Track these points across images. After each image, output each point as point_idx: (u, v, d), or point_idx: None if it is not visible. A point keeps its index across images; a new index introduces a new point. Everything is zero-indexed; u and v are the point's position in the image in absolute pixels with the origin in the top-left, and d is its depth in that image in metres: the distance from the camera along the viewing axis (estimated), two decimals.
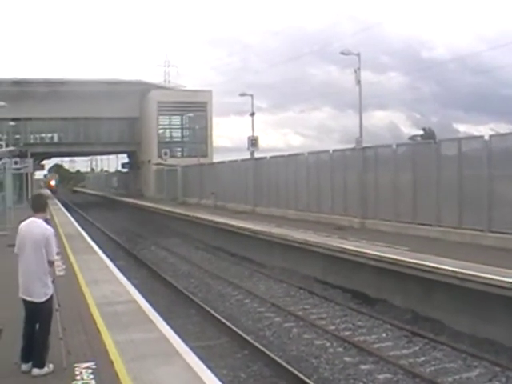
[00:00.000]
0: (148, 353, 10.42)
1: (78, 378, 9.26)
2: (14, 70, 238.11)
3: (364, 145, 33.55)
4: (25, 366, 9.65)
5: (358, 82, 35.00)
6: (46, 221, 10.18)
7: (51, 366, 9.62)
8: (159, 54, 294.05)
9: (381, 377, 14.60)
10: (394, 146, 31.40)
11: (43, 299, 9.62)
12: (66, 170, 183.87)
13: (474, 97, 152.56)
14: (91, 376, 9.32)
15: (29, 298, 9.62)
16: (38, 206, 10.22)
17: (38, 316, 9.67)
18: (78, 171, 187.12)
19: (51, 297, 9.78)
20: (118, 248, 39.35)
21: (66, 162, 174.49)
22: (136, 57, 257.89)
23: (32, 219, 9.93)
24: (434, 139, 30.76)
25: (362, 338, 17.98)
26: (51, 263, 9.85)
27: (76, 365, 9.79)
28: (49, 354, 9.67)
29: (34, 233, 9.72)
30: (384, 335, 18.39)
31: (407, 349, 16.99)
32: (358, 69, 34.87)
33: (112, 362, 9.93)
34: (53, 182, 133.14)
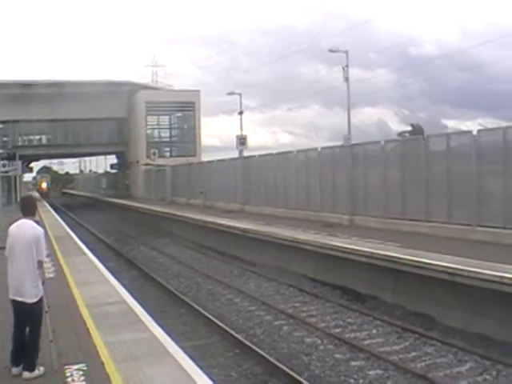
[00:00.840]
0: (139, 353, 10.40)
1: (69, 379, 9.22)
2: (1, 73, 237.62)
3: (353, 142, 33.63)
4: (15, 370, 9.59)
5: (346, 79, 35.08)
6: (36, 222, 10.16)
7: (42, 368, 9.57)
8: (147, 54, 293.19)
9: (372, 373, 14.62)
10: (383, 143, 31.45)
11: (34, 300, 9.56)
12: (55, 172, 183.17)
13: (462, 92, 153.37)
14: (82, 378, 9.28)
15: (20, 299, 9.55)
16: (28, 210, 10.19)
17: (28, 317, 9.60)
18: (67, 173, 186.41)
19: (41, 298, 9.73)
20: (108, 249, 39.30)
21: (54, 164, 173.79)
22: (124, 57, 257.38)
23: (22, 220, 9.90)
24: (422, 135, 30.74)
25: (352, 335, 18.00)
26: (40, 264, 9.79)
27: (67, 367, 9.74)
28: (39, 357, 9.62)
29: (25, 234, 9.68)
30: (375, 331, 18.42)
31: (398, 344, 17.02)
32: (346, 66, 34.96)
33: (103, 363, 9.91)
34: (44, 185, 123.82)
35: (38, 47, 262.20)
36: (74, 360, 10.08)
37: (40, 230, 9.93)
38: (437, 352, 16.17)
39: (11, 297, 9.67)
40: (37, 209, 10.75)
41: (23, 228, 9.78)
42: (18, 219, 10.01)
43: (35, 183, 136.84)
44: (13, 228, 9.89)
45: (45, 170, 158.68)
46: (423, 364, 15.31)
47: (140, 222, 55.78)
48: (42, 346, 9.72)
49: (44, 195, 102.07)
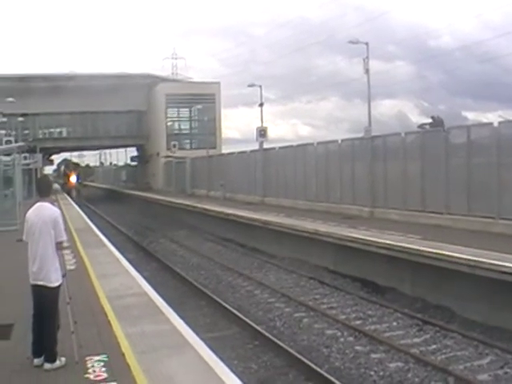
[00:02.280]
0: (160, 344, 10.43)
1: (90, 370, 9.26)
2: (21, 66, 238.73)
3: (373, 134, 33.50)
4: (37, 361, 9.63)
5: (367, 71, 34.94)
6: (52, 204, 10.17)
7: (63, 359, 9.61)
8: (166, 46, 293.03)
9: (392, 365, 14.59)
10: (403, 135, 31.31)
11: (55, 284, 9.60)
12: (75, 165, 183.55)
13: (482, 84, 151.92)
14: (103, 369, 9.31)
15: (40, 282, 9.56)
16: (43, 190, 10.28)
17: (45, 303, 9.60)
18: (87, 165, 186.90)
19: (60, 285, 9.76)
20: (128, 241, 39.42)
21: (74, 157, 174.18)
22: (143, 50, 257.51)
23: (38, 204, 9.92)
24: (442, 127, 30.60)
25: (372, 327, 17.98)
26: (61, 244, 9.82)
27: (88, 358, 9.79)
28: (60, 348, 9.64)
29: (42, 216, 9.69)
30: (395, 324, 18.39)
31: (418, 337, 16.97)
32: (367, 58, 34.82)
33: (123, 355, 9.94)
34: (74, 178, 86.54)
35: (58, 41, 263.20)
36: (95, 351, 10.12)
37: (56, 210, 9.95)
38: (457, 345, 16.11)
39: (31, 282, 9.71)
40: (52, 188, 10.73)
41: (39, 211, 9.79)
42: (35, 202, 10.07)
43: (59, 175, 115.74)
44: (30, 213, 9.90)
45: (66, 161, 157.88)
46: (443, 357, 15.25)
47: (160, 214, 55.87)
48: (63, 338, 9.75)
49: (72, 192, 79.43)
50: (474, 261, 18.19)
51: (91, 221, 36.56)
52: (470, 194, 25.32)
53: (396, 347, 15.83)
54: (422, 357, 15.11)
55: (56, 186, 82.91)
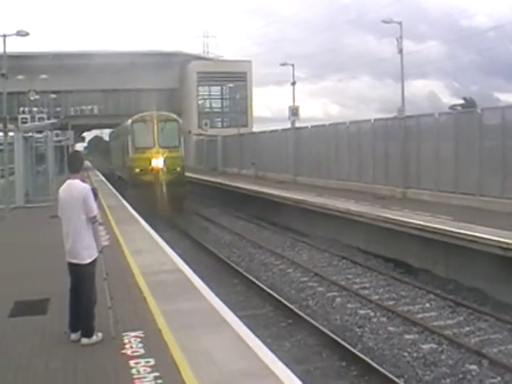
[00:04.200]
0: (196, 322, 10.46)
1: (127, 346, 9.31)
2: (54, 44, 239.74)
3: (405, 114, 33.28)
4: (74, 336, 9.72)
5: (400, 50, 34.60)
6: (83, 181, 10.18)
7: (100, 334, 9.69)
8: (198, 24, 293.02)
9: (425, 347, 14.55)
10: (437, 115, 31.04)
11: (88, 261, 9.64)
12: (106, 142, 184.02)
13: None
14: (140, 345, 9.36)
15: (74, 261, 9.65)
16: (74, 166, 10.26)
17: (81, 279, 9.68)
18: None
19: (95, 260, 9.81)
20: (159, 218, 39.43)
21: (106, 134, 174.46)
22: (175, 28, 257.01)
23: (68, 181, 9.95)
24: (475, 108, 30.34)
25: (405, 308, 17.95)
26: (93, 219, 9.81)
27: (124, 334, 9.85)
28: (97, 323, 9.72)
29: (71, 193, 9.71)
30: (428, 305, 18.33)
31: (451, 319, 16.93)
32: (400, 37, 34.48)
33: (160, 331, 9.99)
34: (159, 162, 38.57)
35: (91, 19, 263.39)
36: (131, 327, 10.18)
37: (85, 186, 9.92)
38: (491, 328, 16.03)
39: (67, 259, 9.78)
40: (83, 164, 10.68)
41: (70, 188, 9.82)
42: (67, 179, 10.11)
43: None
44: (61, 191, 9.93)
45: (96, 139, 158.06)
46: (477, 339, 15.18)
47: (191, 192, 55.86)
48: (100, 313, 9.83)
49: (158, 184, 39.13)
50: (508, 243, 18.05)
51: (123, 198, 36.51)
52: (503, 176, 25.07)
53: (429, 328, 15.79)
54: (456, 339, 15.06)
55: (87, 163, 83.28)
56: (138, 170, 38.64)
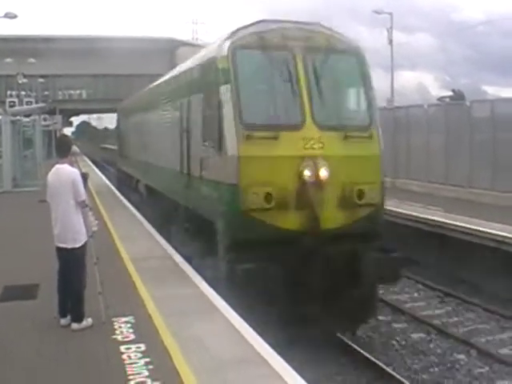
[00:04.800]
0: (186, 308, 10.42)
1: (118, 332, 9.24)
2: (43, 27, 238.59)
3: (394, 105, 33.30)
4: (63, 320, 9.65)
5: (390, 41, 34.72)
6: (71, 165, 10.05)
7: (90, 320, 9.61)
8: (188, 11, 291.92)
9: (415, 336, 14.64)
10: (426, 107, 31.11)
11: (76, 245, 9.54)
12: (94, 128, 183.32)
13: (504, 59, 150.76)
14: (130, 330, 9.30)
15: (62, 245, 9.55)
16: (62, 150, 10.10)
17: (70, 264, 9.59)
18: (106, 128, 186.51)
19: (84, 245, 9.71)
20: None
21: (93, 119, 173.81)
22: (165, 14, 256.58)
23: (57, 166, 9.83)
24: (463, 100, 30.39)
25: (394, 297, 17.98)
26: (82, 203, 9.70)
27: (114, 319, 9.77)
28: (87, 308, 9.65)
29: (60, 178, 9.61)
30: (416, 295, 18.39)
31: (440, 309, 17.00)
32: (390, 28, 34.57)
33: (150, 316, 9.94)
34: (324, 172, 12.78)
35: (81, 3, 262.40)
36: (122, 312, 10.09)
37: (74, 170, 9.82)
38: (479, 318, 16.14)
39: (55, 244, 9.69)
40: (71, 148, 10.52)
41: (58, 173, 9.71)
42: (55, 164, 10.00)
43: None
44: (49, 176, 9.83)
45: (84, 124, 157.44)
46: (465, 329, 15.26)
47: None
48: (90, 298, 9.73)
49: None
50: (502, 236, 18.04)
51: (111, 183, 36.32)
52: (493, 169, 25.06)
53: (418, 318, 15.85)
54: (444, 328, 15.11)
55: (75, 148, 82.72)
56: (255, 198, 12.27)
